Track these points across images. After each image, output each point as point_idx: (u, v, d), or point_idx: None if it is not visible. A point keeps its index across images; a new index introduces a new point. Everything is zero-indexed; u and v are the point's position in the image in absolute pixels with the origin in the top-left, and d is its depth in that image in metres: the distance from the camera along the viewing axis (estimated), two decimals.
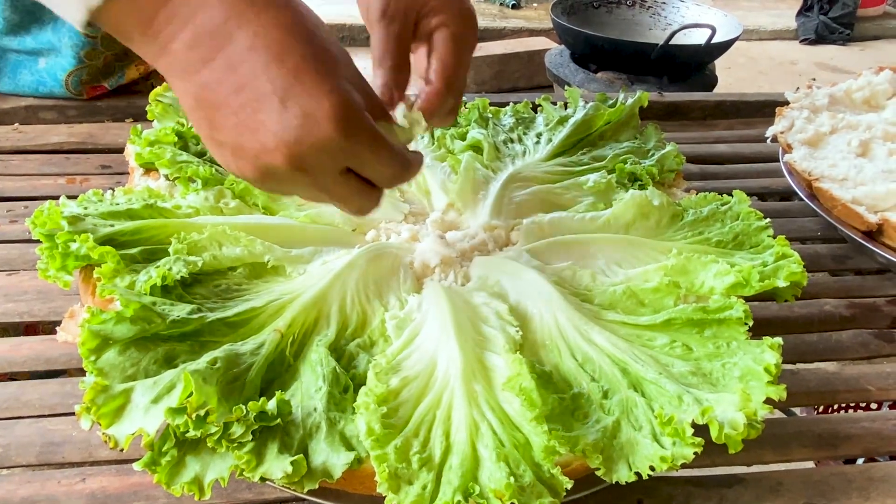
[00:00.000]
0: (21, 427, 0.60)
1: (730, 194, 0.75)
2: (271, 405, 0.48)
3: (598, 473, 0.48)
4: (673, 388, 0.51)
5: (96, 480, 0.56)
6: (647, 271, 0.65)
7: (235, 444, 0.46)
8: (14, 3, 0.99)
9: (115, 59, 1.07)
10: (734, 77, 4.25)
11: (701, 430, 0.49)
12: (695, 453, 0.48)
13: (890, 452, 0.64)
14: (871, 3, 5.15)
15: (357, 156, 0.47)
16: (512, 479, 0.45)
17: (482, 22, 4.87)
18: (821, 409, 1.19)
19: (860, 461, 0.70)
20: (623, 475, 0.48)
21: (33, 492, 0.55)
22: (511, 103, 0.96)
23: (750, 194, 0.75)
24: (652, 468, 0.48)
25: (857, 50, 4.92)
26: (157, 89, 0.82)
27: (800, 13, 5.08)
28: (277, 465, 0.45)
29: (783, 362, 0.55)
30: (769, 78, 4.37)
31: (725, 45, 2.20)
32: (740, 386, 0.51)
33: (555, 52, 2.56)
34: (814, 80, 0.86)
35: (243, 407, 0.46)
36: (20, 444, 0.58)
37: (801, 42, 5.01)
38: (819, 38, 4.95)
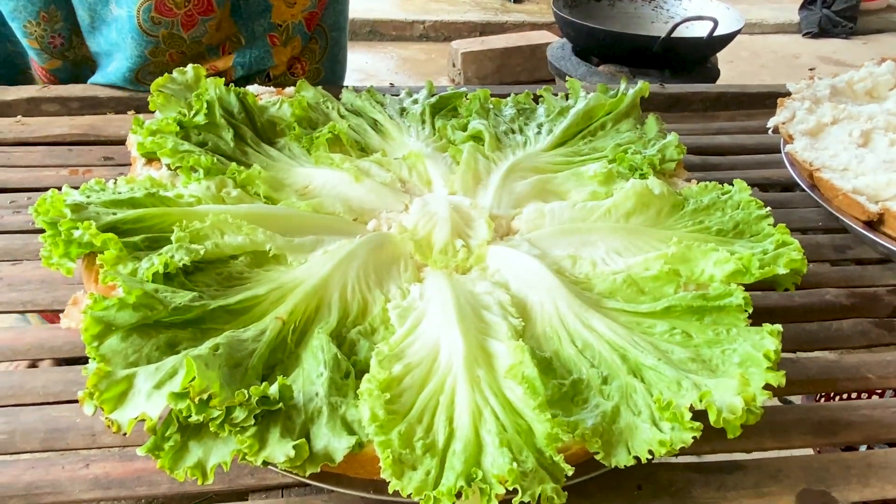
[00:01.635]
0: (25, 414, 0.60)
1: (731, 184, 0.75)
2: (273, 390, 0.48)
3: (598, 458, 0.48)
4: (672, 373, 0.52)
5: (100, 466, 0.56)
6: (648, 260, 0.65)
7: (238, 429, 0.46)
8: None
9: (183, 56, 1.10)
10: (736, 71, 4.24)
11: (701, 416, 0.49)
12: (693, 438, 0.48)
13: (890, 440, 0.64)
14: None
15: None
16: (514, 464, 0.46)
17: (484, 16, 4.87)
18: (822, 398, 1.20)
19: (863, 448, 0.70)
20: (622, 459, 0.48)
21: (38, 477, 0.55)
22: (512, 94, 0.96)
23: (751, 185, 0.76)
24: (651, 453, 0.48)
25: (861, 44, 4.91)
26: (159, 80, 0.82)
27: (803, 6, 5.07)
28: (280, 449, 0.46)
29: (783, 351, 0.55)
30: (772, 71, 4.36)
31: (727, 39, 2.19)
32: (739, 371, 0.51)
33: (557, 46, 2.55)
34: (812, 69, 0.86)
35: (245, 391, 0.47)
36: (25, 430, 0.59)
37: (803, 36, 5.00)
38: (822, 32, 4.94)
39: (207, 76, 0.84)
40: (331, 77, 1.28)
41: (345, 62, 1.33)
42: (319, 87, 0.92)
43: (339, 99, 0.93)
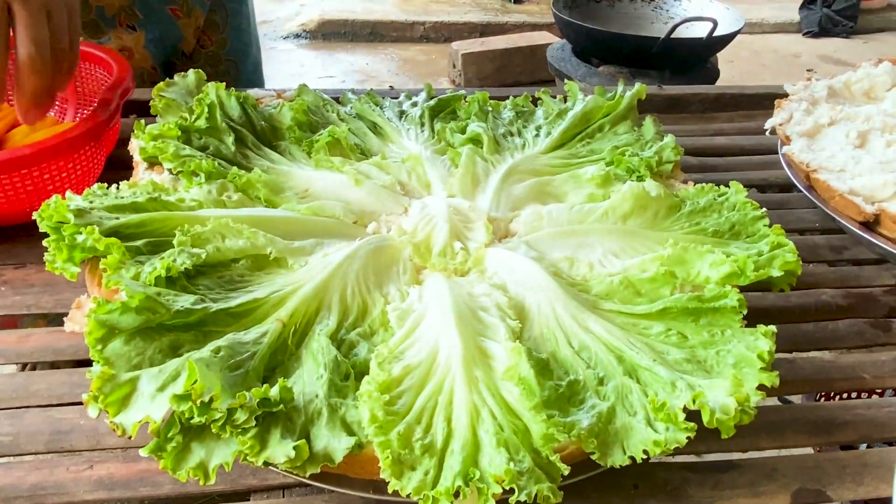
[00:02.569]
0: (30, 416, 0.61)
1: (728, 186, 0.76)
2: (274, 392, 0.49)
3: (594, 458, 0.49)
4: (667, 374, 0.52)
5: (104, 467, 0.57)
6: (644, 261, 0.66)
7: (239, 430, 0.47)
8: None
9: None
10: (737, 71, 4.24)
11: (696, 415, 0.50)
12: (688, 438, 0.49)
13: (885, 439, 0.65)
14: None
15: None
16: (511, 464, 0.46)
17: (484, 17, 4.88)
18: (821, 399, 1.20)
19: (863, 447, 0.71)
20: (618, 459, 0.49)
21: (42, 478, 0.56)
22: (511, 97, 0.97)
23: (749, 186, 0.76)
24: (646, 452, 0.49)
25: (861, 43, 4.91)
26: (160, 84, 0.83)
27: (803, 6, 5.07)
28: (280, 450, 0.46)
29: (779, 351, 0.56)
30: (772, 71, 4.37)
31: (727, 39, 2.20)
32: (733, 372, 0.51)
33: (556, 47, 2.56)
34: (809, 70, 0.87)
35: (247, 393, 0.47)
36: (29, 432, 0.59)
37: (804, 35, 5.00)
38: (822, 31, 4.94)
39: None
40: (238, 45, 1.29)
41: (251, 31, 1.34)
42: (318, 91, 0.92)
43: (338, 102, 0.93)
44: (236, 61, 1.30)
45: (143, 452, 0.47)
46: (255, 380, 0.51)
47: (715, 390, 0.50)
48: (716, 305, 0.58)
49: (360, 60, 4.39)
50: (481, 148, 0.82)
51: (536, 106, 0.95)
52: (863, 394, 1.12)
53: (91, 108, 0.95)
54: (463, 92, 0.96)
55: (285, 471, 0.49)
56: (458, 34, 4.64)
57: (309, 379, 0.52)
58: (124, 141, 0.96)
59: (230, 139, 0.78)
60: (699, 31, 2.17)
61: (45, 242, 0.59)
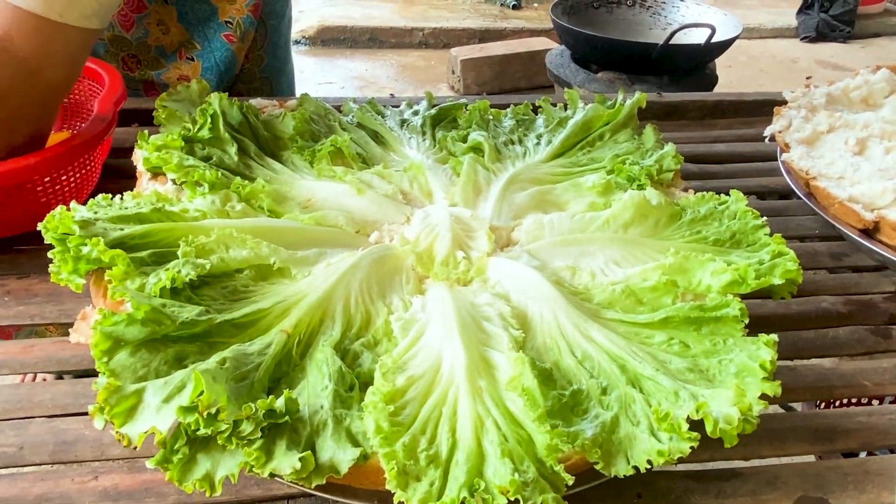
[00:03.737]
0: (34, 427, 0.61)
1: (728, 193, 0.76)
2: (279, 403, 0.49)
3: (597, 467, 0.49)
4: (670, 384, 0.53)
5: (109, 478, 0.57)
6: (646, 270, 0.66)
7: (245, 441, 0.47)
8: None
9: (137, 61, 1.14)
10: (735, 76, 4.26)
11: (699, 424, 0.50)
12: (691, 448, 0.49)
13: (886, 446, 0.65)
14: (872, 1, 5.16)
15: None
16: (516, 474, 0.46)
17: (483, 23, 4.89)
18: (822, 405, 1.20)
19: (863, 454, 0.71)
20: (621, 469, 0.49)
21: (47, 489, 0.56)
22: (511, 105, 0.97)
23: (749, 193, 0.76)
24: (650, 462, 0.49)
25: (858, 47, 4.93)
26: (163, 95, 0.84)
27: (800, 11, 5.09)
28: (286, 461, 0.47)
29: (780, 359, 0.56)
30: (770, 76, 4.38)
31: (725, 45, 2.21)
32: (736, 382, 0.52)
33: (555, 53, 2.57)
34: (809, 77, 0.87)
35: (252, 405, 0.48)
36: (34, 443, 0.60)
37: (801, 40, 5.02)
38: (820, 36, 4.96)
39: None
40: (274, 62, 1.30)
41: (287, 49, 1.35)
42: (320, 100, 0.93)
43: (339, 110, 0.94)
44: (271, 79, 1.30)
45: (149, 464, 0.47)
46: (261, 391, 0.52)
47: (718, 400, 0.50)
48: (717, 315, 0.59)
49: (359, 67, 4.40)
50: (482, 156, 0.83)
51: (537, 114, 0.96)
52: (864, 401, 1.13)
53: (81, 117, 0.96)
54: (464, 100, 0.97)
55: (291, 482, 0.49)
56: (457, 40, 4.65)
57: (314, 390, 0.52)
58: (122, 150, 0.97)
59: (233, 149, 0.78)
60: (697, 37, 2.18)
61: (50, 254, 0.60)
